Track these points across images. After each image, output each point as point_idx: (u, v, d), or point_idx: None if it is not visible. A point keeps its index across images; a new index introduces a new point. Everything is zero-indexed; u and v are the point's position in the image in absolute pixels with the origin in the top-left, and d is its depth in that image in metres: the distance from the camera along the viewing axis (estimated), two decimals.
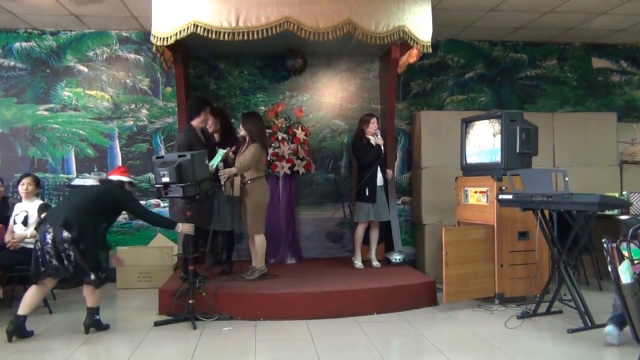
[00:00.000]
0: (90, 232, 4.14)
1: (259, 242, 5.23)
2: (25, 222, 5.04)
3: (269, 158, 6.07)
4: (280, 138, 6.17)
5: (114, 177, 4.63)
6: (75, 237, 4.04)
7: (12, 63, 6.49)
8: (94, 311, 4.30)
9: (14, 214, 5.12)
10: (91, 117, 6.57)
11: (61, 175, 6.51)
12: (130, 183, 4.70)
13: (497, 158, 5.14)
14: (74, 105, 6.56)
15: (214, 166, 4.84)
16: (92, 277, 4.13)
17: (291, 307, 4.68)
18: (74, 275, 4.12)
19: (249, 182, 5.19)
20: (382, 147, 5.81)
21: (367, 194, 5.71)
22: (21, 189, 5.17)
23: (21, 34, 6.50)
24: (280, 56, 6.61)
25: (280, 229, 6.28)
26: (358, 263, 5.87)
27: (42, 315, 4.74)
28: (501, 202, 4.76)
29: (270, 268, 5.65)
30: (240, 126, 5.31)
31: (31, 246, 4.90)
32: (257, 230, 5.21)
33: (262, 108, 6.75)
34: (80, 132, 6.55)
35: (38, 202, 5.16)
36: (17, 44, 6.50)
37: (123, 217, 6.47)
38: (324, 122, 6.92)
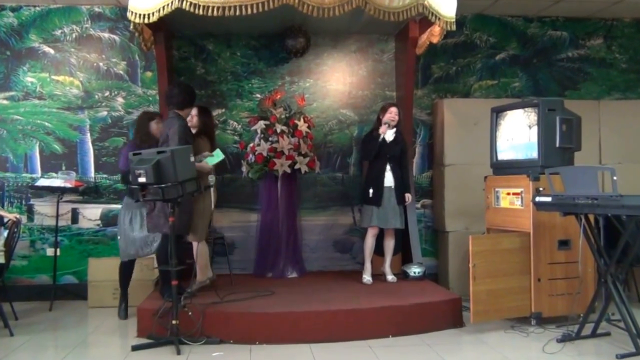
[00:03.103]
0: None
1: (200, 250, 5.30)
2: None
3: (265, 154, 6.08)
4: (279, 131, 6.17)
5: None
6: None
7: None
8: None
9: None
10: (58, 107, 6.58)
11: (24, 175, 6.52)
12: None
13: (533, 154, 5.13)
14: (39, 93, 6.57)
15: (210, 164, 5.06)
16: None
17: (292, 328, 4.67)
18: None
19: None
20: (384, 137, 5.77)
21: (370, 195, 5.75)
22: None
23: None
24: (279, 35, 6.61)
25: (279, 238, 6.27)
26: (366, 277, 5.87)
27: (2, 338, 4.76)
28: (538, 206, 4.74)
29: (268, 283, 5.65)
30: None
31: None
32: (199, 238, 5.26)
33: (258, 95, 6.76)
34: (46, 124, 6.57)
35: None
36: None
37: (95, 223, 6.51)
38: (330, 112, 6.92)
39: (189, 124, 5.34)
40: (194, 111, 5.41)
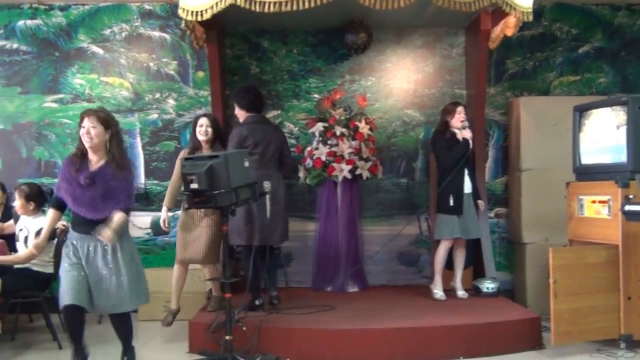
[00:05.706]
0: None
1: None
2: (26, 241, 5.22)
3: (324, 159, 6.13)
4: (338, 134, 6.21)
5: None
6: None
7: (15, 45, 6.79)
8: None
9: (17, 227, 5.37)
10: (108, 110, 6.79)
11: None
12: None
13: (621, 157, 5.00)
14: (88, 95, 6.80)
15: None
16: None
17: (352, 346, 4.70)
18: None
19: None
20: (471, 142, 5.76)
21: (451, 203, 5.69)
22: None
23: (25, 10, 6.79)
24: (338, 30, 6.66)
25: (338, 249, 6.31)
26: (438, 293, 5.84)
27: (51, 351, 4.94)
28: (628, 215, 4.63)
29: (327, 297, 5.66)
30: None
31: (36, 268, 5.16)
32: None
33: (316, 96, 6.82)
34: None
35: (41, 220, 5.07)
36: (20, 23, 6.78)
37: (145, 232, 6.68)
38: (393, 113, 6.92)
39: (201, 136, 5.37)
40: (206, 121, 5.40)
